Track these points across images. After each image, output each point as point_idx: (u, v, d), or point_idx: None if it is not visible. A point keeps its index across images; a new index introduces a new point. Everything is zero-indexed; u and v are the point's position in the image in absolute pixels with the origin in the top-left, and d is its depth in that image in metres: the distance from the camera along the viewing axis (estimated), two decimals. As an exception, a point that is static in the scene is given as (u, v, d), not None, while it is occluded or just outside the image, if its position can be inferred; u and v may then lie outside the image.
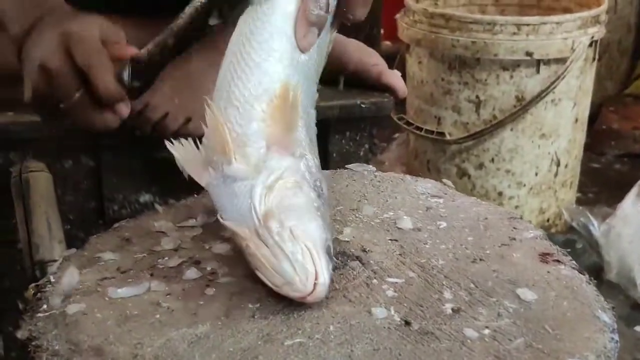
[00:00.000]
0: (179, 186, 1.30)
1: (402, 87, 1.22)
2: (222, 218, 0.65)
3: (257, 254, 0.61)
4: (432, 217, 0.75)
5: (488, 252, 0.68)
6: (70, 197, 1.26)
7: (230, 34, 1.21)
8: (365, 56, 1.23)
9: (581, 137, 1.91)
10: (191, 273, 0.67)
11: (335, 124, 1.18)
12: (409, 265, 0.67)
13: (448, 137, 1.82)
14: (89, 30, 0.86)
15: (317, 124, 0.97)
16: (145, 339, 0.58)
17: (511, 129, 1.79)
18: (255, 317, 0.60)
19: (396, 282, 0.64)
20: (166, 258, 0.69)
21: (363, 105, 1.18)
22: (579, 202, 2.06)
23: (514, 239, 0.71)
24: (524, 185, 1.85)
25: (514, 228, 0.73)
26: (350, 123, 1.20)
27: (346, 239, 0.70)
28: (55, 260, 1.12)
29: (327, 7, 0.71)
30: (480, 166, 1.84)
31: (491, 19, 1.70)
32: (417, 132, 1.86)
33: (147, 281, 0.66)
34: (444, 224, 0.73)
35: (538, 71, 1.73)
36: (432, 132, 1.84)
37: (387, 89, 1.20)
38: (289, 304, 0.61)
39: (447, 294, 0.63)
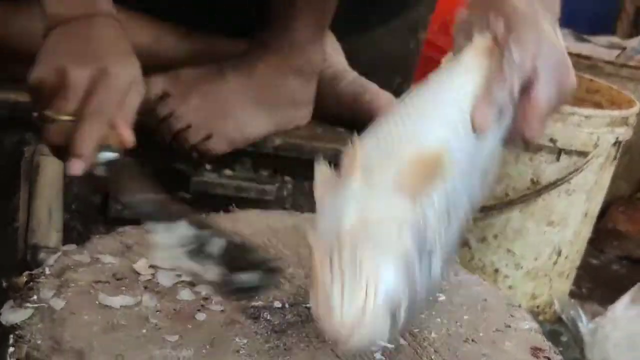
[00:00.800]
0: (185, 200, 1.30)
1: None
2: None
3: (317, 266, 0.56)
4: (432, 288, 0.74)
5: (481, 334, 0.68)
6: (76, 189, 1.26)
7: (268, 59, 1.20)
8: (363, 91, 1.25)
9: (587, 231, 1.90)
10: (185, 294, 0.66)
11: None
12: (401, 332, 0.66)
13: (457, 205, 1.81)
14: (121, 85, 0.77)
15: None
16: (128, 352, 0.58)
17: (520, 210, 1.78)
18: (240, 352, 0.60)
19: (387, 347, 0.63)
20: (163, 273, 0.69)
21: None
22: (571, 294, 2.05)
23: (509, 326, 0.70)
24: (522, 267, 1.84)
25: (511, 315, 0.72)
26: None
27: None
28: (49, 248, 1.12)
29: (511, 93, 0.67)
30: (483, 240, 1.83)
31: (523, 99, 1.71)
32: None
33: (140, 294, 0.65)
34: (442, 297, 0.73)
35: (558, 159, 1.73)
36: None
37: None
38: (276, 347, 0.61)
39: (434, 369, 0.62)
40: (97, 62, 0.77)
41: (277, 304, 0.66)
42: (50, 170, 1.12)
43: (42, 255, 1.11)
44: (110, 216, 1.26)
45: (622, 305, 1.79)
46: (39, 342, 0.58)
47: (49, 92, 0.76)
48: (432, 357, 0.63)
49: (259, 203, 1.14)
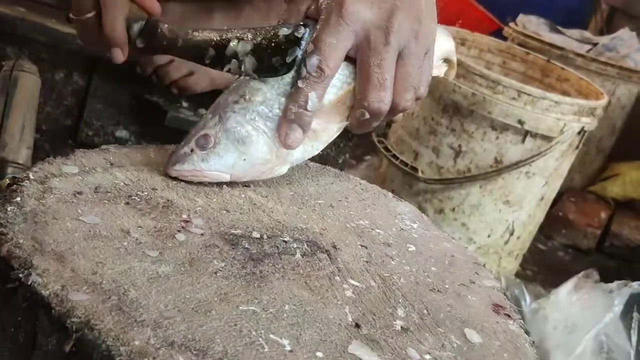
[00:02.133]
0: (158, 134, 1.30)
1: None
2: None
3: None
4: (403, 238, 0.76)
5: (447, 286, 0.70)
6: (49, 109, 1.25)
7: (257, 3, 1.21)
8: None
9: (540, 216, 1.95)
10: (166, 214, 0.67)
11: None
12: (372, 274, 0.68)
13: (420, 174, 1.84)
14: None
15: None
16: (108, 261, 0.59)
17: (480, 186, 1.82)
18: (218, 274, 0.61)
19: (357, 286, 0.65)
20: (145, 193, 0.70)
21: None
22: (516, 274, 2.11)
23: (474, 282, 0.73)
24: (474, 242, 1.89)
25: (476, 273, 0.75)
26: None
27: (319, 232, 0.72)
28: (17, 163, 1.12)
29: (306, 105, 0.73)
30: (440, 211, 1.87)
31: (497, 78, 1.73)
32: (393, 159, 1.89)
33: (121, 209, 0.66)
34: (412, 248, 0.75)
35: (523, 141, 1.76)
36: (406, 165, 1.86)
37: None
38: (252, 273, 0.62)
39: (400, 312, 0.64)
40: None
41: (256, 235, 0.68)
42: (27, 86, 1.11)
43: (9, 170, 1.11)
44: (80, 140, 1.25)
45: (564, 291, 1.84)
46: (21, 241, 0.58)
47: None
48: (400, 300, 0.65)
49: None
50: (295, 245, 0.68)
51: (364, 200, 0.82)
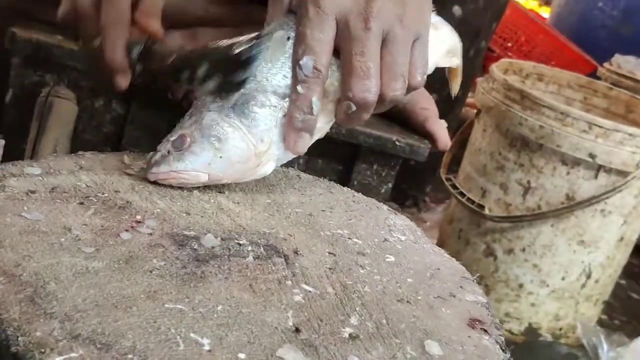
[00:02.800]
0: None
1: (444, 138, 1.18)
2: None
3: None
4: (384, 249, 0.71)
5: (419, 298, 0.65)
6: (89, 136, 1.27)
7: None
8: (417, 97, 1.20)
9: (622, 258, 1.83)
10: (119, 214, 0.65)
11: (364, 152, 1.16)
12: (332, 281, 0.63)
13: (487, 212, 1.77)
14: None
15: (346, 146, 1.05)
16: (36, 255, 0.57)
17: (552, 225, 1.72)
18: (153, 272, 0.58)
19: (309, 291, 0.61)
20: (105, 195, 0.68)
21: (397, 143, 1.15)
22: (601, 323, 1.98)
23: (454, 296, 0.67)
24: (547, 285, 1.78)
25: (461, 287, 0.69)
26: (380, 156, 1.17)
27: (284, 237, 0.68)
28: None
29: (311, 110, 0.70)
30: (510, 252, 1.78)
31: (565, 109, 1.65)
32: (459, 197, 1.82)
33: (72, 208, 0.64)
34: (391, 259, 0.70)
35: (596, 176, 1.66)
36: (472, 202, 1.79)
37: (428, 136, 1.17)
38: (192, 273, 0.59)
39: (354, 320, 0.59)
40: None
41: (210, 237, 0.64)
42: (61, 111, 1.12)
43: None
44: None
45: (649, 340, 1.71)
46: (-49, 232, 0.57)
47: (74, 26, 0.83)
48: (357, 308, 0.60)
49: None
50: (249, 248, 0.64)
51: (351, 211, 0.77)
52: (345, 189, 0.82)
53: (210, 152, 0.70)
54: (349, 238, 0.71)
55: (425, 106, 1.21)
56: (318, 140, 1.12)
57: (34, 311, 0.51)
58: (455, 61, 0.87)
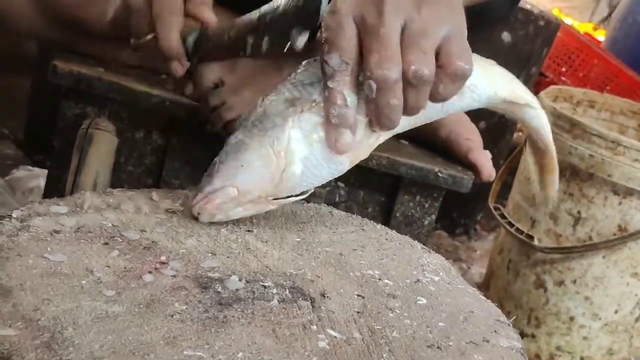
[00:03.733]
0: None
1: (488, 169, 1.16)
2: None
3: None
4: (416, 290, 0.69)
5: (451, 343, 0.62)
6: (131, 167, 1.27)
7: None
8: (460, 127, 1.18)
9: (678, 291, 1.76)
10: (144, 255, 0.64)
11: (407, 184, 1.14)
12: (360, 325, 0.61)
13: (536, 243, 1.72)
14: None
15: (388, 177, 1.06)
16: (56, 298, 0.56)
17: (603, 257, 1.67)
18: (174, 317, 0.57)
19: (335, 337, 0.59)
20: (131, 234, 0.67)
21: (440, 175, 1.13)
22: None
23: (487, 341, 0.64)
24: (600, 318, 1.72)
25: (495, 331, 0.66)
26: (423, 188, 1.15)
27: (311, 278, 0.66)
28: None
29: (345, 102, 0.68)
30: (560, 284, 1.73)
31: (616, 138, 1.60)
32: (508, 227, 1.78)
33: (96, 248, 0.63)
34: (423, 301, 0.67)
35: (650, 206, 1.61)
36: (521, 232, 1.74)
37: (472, 167, 1.15)
38: (214, 318, 0.58)
39: (380, 368, 0.57)
40: None
41: (234, 279, 0.63)
42: (102, 143, 1.13)
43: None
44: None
45: None
46: (-27, 274, 0.57)
47: (125, 25, 0.89)
48: (384, 355, 0.58)
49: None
50: (275, 291, 0.63)
51: (384, 250, 0.75)
52: (379, 226, 0.80)
53: (231, 164, 0.71)
54: (379, 279, 0.69)
55: (469, 137, 1.18)
56: (359, 171, 1.10)
57: (49, 358, 0.50)
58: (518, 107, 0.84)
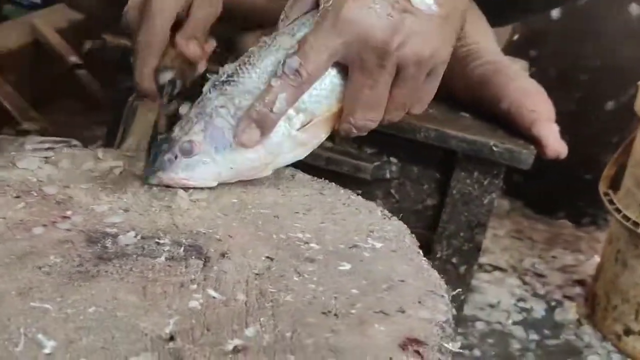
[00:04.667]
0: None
1: (554, 144, 1.04)
2: None
3: None
4: (343, 256, 0.62)
5: (353, 311, 0.55)
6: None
7: None
8: (524, 98, 1.07)
9: None
10: (50, 209, 0.62)
11: (462, 159, 1.05)
12: (250, 287, 0.56)
13: (644, 231, 1.56)
14: (166, 5, 0.80)
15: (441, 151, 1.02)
16: None
17: None
18: (42, 269, 0.55)
19: (212, 297, 0.54)
20: (52, 189, 0.65)
21: (495, 148, 1.03)
22: None
23: (403, 312, 0.56)
24: None
25: (419, 302, 0.58)
26: (480, 164, 1.06)
27: (219, 238, 0.61)
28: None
29: (272, 106, 0.67)
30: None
31: None
32: (616, 214, 1.62)
33: (4, 201, 0.62)
34: (346, 267, 0.61)
35: None
36: (628, 219, 1.59)
37: (535, 141, 1.04)
38: (85, 272, 0.55)
39: (250, 331, 0.51)
40: None
41: (130, 234, 0.60)
42: (145, 115, 1.13)
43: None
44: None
45: None
46: None
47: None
48: (262, 319, 0.53)
49: (355, 180, 1.06)
50: (167, 249, 0.59)
51: (333, 214, 0.69)
52: (343, 190, 0.74)
53: (221, 164, 0.69)
54: (306, 242, 0.63)
55: (534, 108, 1.07)
56: (410, 145, 1.03)
57: None
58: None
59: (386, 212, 0.71)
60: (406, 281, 0.61)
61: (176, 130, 0.71)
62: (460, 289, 1.12)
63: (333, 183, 0.75)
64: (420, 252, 0.66)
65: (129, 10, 0.82)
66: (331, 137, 1.11)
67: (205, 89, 0.71)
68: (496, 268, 1.59)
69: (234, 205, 0.68)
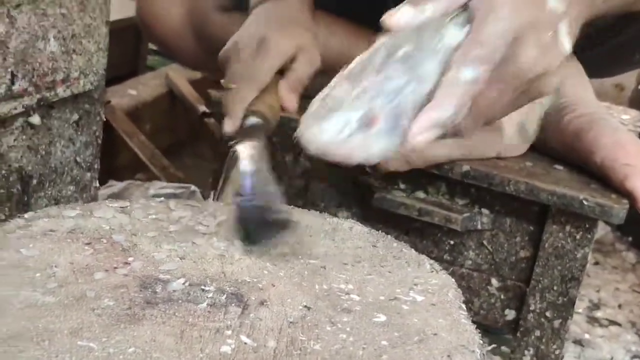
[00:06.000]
0: (375, 214, 1.26)
1: None
2: None
3: None
4: (381, 308, 0.65)
5: (378, 363, 0.58)
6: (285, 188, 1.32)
7: None
8: (618, 150, 1.07)
9: None
10: (114, 255, 0.68)
11: (555, 213, 1.05)
12: (282, 335, 0.59)
13: None
14: (279, 52, 0.85)
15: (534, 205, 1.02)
16: (1, 287, 0.62)
17: None
18: (95, 311, 0.60)
19: (244, 343, 0.58)
20: (120, 237, 0.71)
21: (585, 202, 1.03)
22: None
23: (428, 365, 0.58)
24: None
25: (448, 356, 0.60)
26: (572, 217, 1.05)
27: (262, 287, 0.65)
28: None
29: (459, 113, 0.64)
30: None
31: None
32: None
33: (74, 247, 0.69)
34: (381, 319, 0.63)
35: None
36: None
37: (627, 195, 1.03)
38: (132, 315, 0.60)
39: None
40: (260, 33, 0.87)
41: (180, 281, 0.65)
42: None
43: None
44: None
45: None
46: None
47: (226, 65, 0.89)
48: (285, 365, 0.56)
49: (448, 231, 1.08)
50: (210, 295, 0.63)
51: (381, 266, 0.71)
52: (396, 243, 0.76)
53: (391, 140, 0.65)
54: (347, 294, 0.66)
55: (628, 161, 1.06)
56: (502, 197, 1.03)
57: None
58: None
59: (436, 265, 0.73)
60: (439, 334, 0.62)
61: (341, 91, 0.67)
62: (555, 344, 1.12)
63: (389, 236, 0.78)
64: (463, 306, 0.68)
65: (235, 43, 0.88)
66: (424, 189, 1.15)
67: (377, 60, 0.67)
68: (613, 323, 1.54)
69: (285, 255, 0.71)
